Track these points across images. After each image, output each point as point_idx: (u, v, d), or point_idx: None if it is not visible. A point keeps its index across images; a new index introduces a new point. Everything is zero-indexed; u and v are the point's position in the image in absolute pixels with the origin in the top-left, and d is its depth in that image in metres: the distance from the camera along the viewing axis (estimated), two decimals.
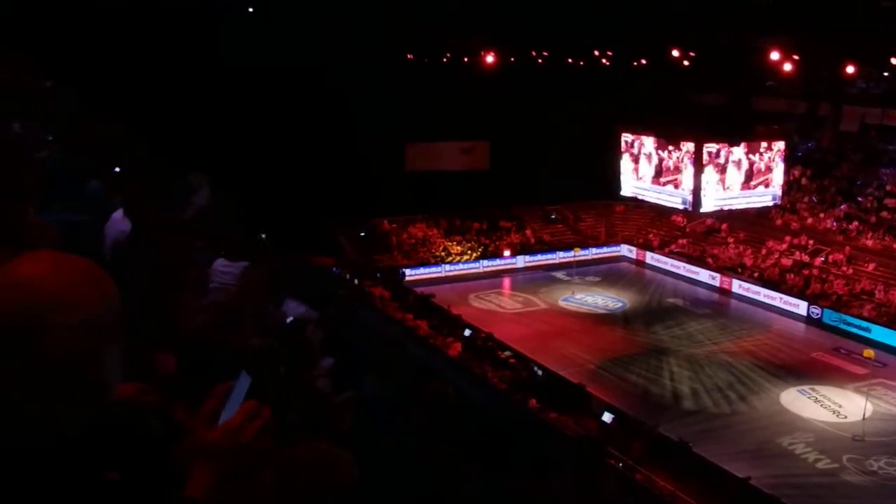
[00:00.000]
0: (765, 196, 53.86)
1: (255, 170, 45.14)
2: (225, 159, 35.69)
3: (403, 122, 60.11)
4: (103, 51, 46.17)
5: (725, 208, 54.09)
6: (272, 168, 49.52)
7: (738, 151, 51.67)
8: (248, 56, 52.86)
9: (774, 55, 49.91)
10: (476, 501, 8.03)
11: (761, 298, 54.98)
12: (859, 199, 58.74)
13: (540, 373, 39.35)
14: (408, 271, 58.61)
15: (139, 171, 14.60)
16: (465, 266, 62.75)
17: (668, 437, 33.66)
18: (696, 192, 51.43)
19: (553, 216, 69.85)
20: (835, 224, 57.87)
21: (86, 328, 2.50)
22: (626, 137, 56.93)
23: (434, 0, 52.77)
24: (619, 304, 55.25)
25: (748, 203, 53.97)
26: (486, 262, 63.46)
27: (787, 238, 58.31)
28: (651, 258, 64.80)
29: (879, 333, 47.39)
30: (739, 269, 58.08)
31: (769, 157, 52.99)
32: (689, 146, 52.03)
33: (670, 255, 63.42)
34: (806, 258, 55.99)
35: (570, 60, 63.86)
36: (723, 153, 51.42)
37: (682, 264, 61.81)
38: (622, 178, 58.00)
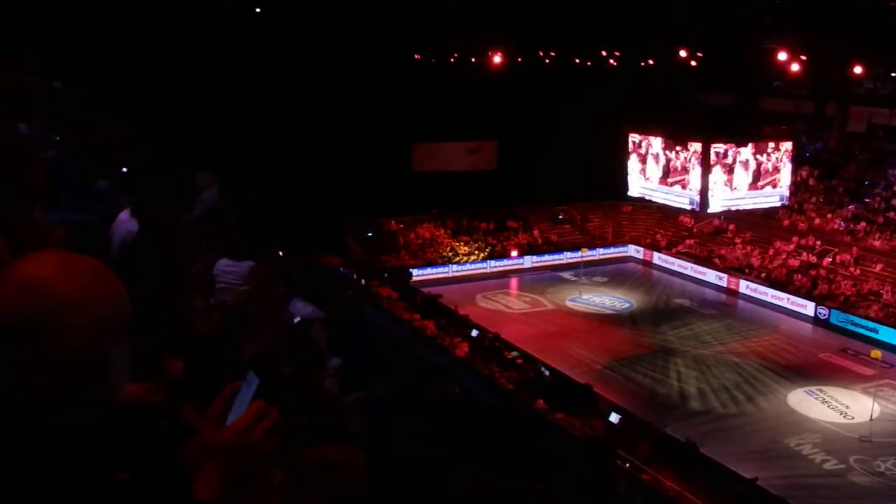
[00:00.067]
0: (772, 196, 53.92)
1: (263, 170, 45.08)
2: (233, 160, 35.64)
3: (411, 122, 60.16)
4: (111, 51, 46.22)
5: (733, 209, 54.15)
6: (279, 168, 49.48)
7: (746, 152, 51.73)
8: (256, 56, 52.92)
9: (782, 55, 50.02)
10: (484, 502, 8.04)
11: (768, 299, 54.88)
12: (867, 199, 58.62)
13: (547, 373, 39.31)
14: (415, 271, 58.63)
15: (147, 171, 14.62)
16: (473, 266, 62.71)
17: (675, 438, 33.61)
18: (704, 192, 51.48)
19: (560, 216, 69.79)
20: (842, 225, 57.75)
21: (94, 329, 2.49)
22: (634, 138, 57.01)
23: (441, 0, 52.82)
24: (627, 305, 55.19)
25: (756, 203, 54.01)
26: (493, 263, 63.39)
27: (795, 239, 58.21)
28: (658, 259, 64.72)
29: (887, 334, 47.25)
30: (747, 270, 57.99)
31: (777, 158, 53.05)
32: (696, 146, 52.10)
33: (677, 255, 63.30)
34: (813, 259, 55.89)
35: (577, 60, 63.95)
36: (730, 153, 51.49)
37: (689, 265, 61.72)
38: (629, 178, 58.08)
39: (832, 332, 49.37)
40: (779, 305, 53.93)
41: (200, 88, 50.93)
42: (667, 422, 36.14)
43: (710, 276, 59.71)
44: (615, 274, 62.70)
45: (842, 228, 57.56)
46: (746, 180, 52.04)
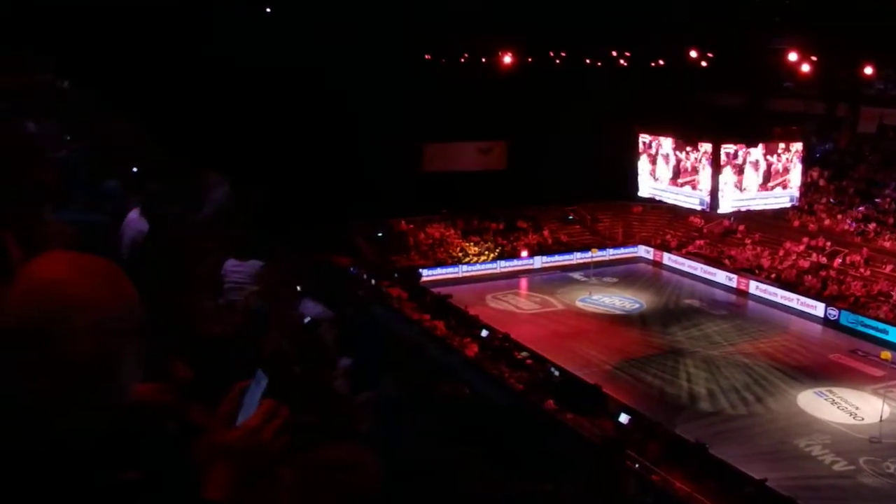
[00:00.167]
0: (782, 197, 53.90)
1: (273, 170, 45.09)
2: (243, 159, 35.68)
3: (421, 122, 60.16)
4: (120, 51, 46.30)
5: (743, 209, 54.11)
6: (290, 168, 49.48)
7: (756, 152, 51.71)
8: (267, 56, 52.97)
9: (792, 56, 49.96)
10: (494, 502, 8.05)
11: (778, 300, 54.82)
12: (877, 200, 58.52)
13: (556, 374, 39.28)
14: (425, 272, 58.61)
15: (157, 170, 14.63)
16: (483, 267, 62.70)
17: (684, 439, 33.57)
18: (714, 192, 51.49)
19: (570, 217, 69.79)
20: (853, 225, 57.67)
21: (104, 331, 2.50)
22: (644, 138, 57.00)
23: (452, 1, 52.82)
24: (637, 305, 55.15)
25: (766, 204, 53.99)
26: (503, 263, 63.39)
27: (805, 239, 58.13)
28: (668, 259, 64.68)
29: None
30: (756, 271, 57.94)
31: (787, 159, 53.04)
32: (706, 147, 52.06)
33: (687, 256, 63.27)
34: (823, 260, 55.83)
35: (587, 61, 63.91)
36: (740, 154, 51.46)
37: (699, 265, 61.68)
38: (640, 178, 58.07)
39: (842, 333, 49.31)
40: (789, 306, 53.87)
41: (211, 88, 50.99)
42: (676, 422, 36.15)
43: (720, 276, 59.67)
44: (625, 274, 62.69)
45: (852, 229, 57.48)
46: (756, 181, 52.03)
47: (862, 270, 53.63)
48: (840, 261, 55.14)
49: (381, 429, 7.22)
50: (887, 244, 54.86)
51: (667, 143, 55.51)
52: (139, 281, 2.72)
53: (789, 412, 38.92)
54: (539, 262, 64.42)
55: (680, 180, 54.56)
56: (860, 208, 58.64)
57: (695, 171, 53.22)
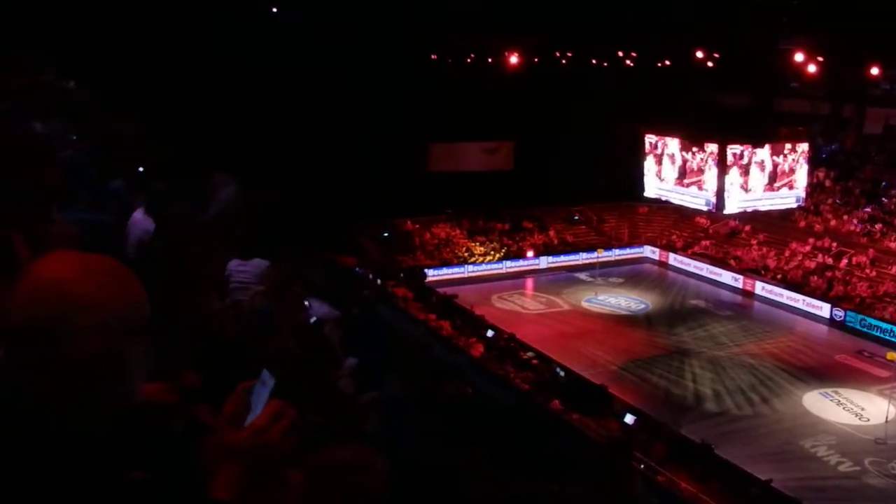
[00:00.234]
0: (788, 198, 53.87)
1: (279, 170, 45.11)
2: (249, 159, 35.69)
3: (427, 122, 60.13)
4: (126, 51, 46.33)
5: (749, 210, 54.05)
6: (296, 168, 49.48)
7: (762, 153, 51.67)
8: (272, 56, 52.99)
9: (798, 57, 49.95)
10: (499, 502, 8.06)
11: (784, 300, 54.76)
12: (883, 200, 58.46)
13: (562, 374, 39.29)
14: (431, 272, 58.60)
15: (163, 170, 14.64)
16: (488, 267, 62.70)
17: (690, 439, 33.55)
18: (720, 193, 51.43)
19: (576, 217, 69.75)
20: (858, 226, 57.62)
21: (109, 331, 2.51)
22: (650, 138, 56.93)
23: (458, 1, 52.83)
24: (642, 306, 55.13)
25: (772, 204, 53.94)
26: (508, 263, 63.37)
27: (811, 240, 58.06)
28: (674, 260, 64.64)
29: None
30: (762, 271, 57.90)
31: (793, 159, 53.01)
32: (712, 147, 52.01)
33: (693, 256, 63.24)
34: (829, 260, 55.77)
35: (593, 61, 63.93)
36: (746, 154, 51.39)
37: (705, 266, 61.64)
38: (646, 179, 58.01)
39: (848, 334, 49.29)
40: (794, 307, 53.83)
41: (217, 88, 51.02)
42: (682, 423, 36.15)
43: (726, 277, 59.64)
44: (631, 275, 62.68)
45: (858, 230, 57.42)
46: (762, 181, 52.00)
47: (868, 271, 53.56)
48: (846, 261, 55.08)
49: (387, 428, 7.23)
50: (893, 245, 54.78)
51: (673, 144, 55.46)
52: (146, 281, 2.73)
53: (795, 413, 38.90)
54: (545, 262, 64.40)
55: (686, 181, 54.52)
56: (866, 209, 58.60)
57: (700, 171, 53.20)
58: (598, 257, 62.89)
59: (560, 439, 28.44)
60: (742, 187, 51.72)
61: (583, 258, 64.68)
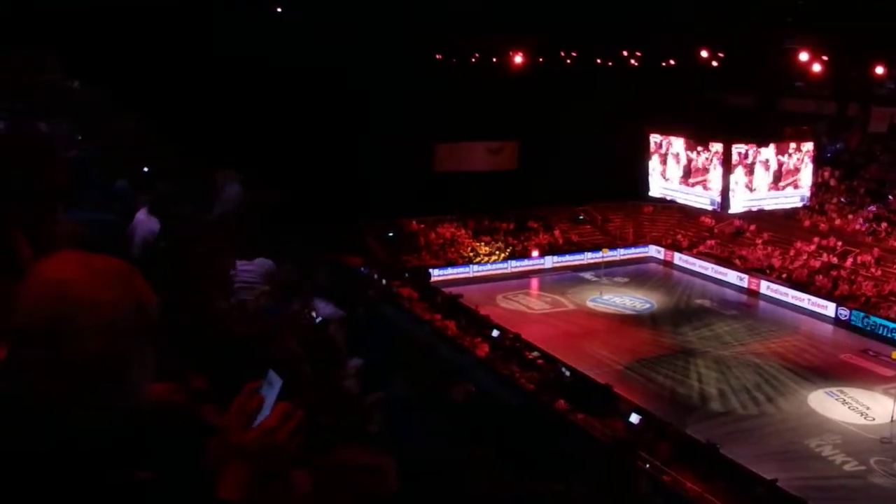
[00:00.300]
0: (793, 197, 53.81)
1: (285, 170, 45.10)
2: (255, 159, 35.70)
3: (432, 122, 60.14)
4: (131, 51, 46.36)
5: (754, 209, 54.01)
6: (301, 168, 49.48)
7: (767, 152, 51.61)
8: (278, 57, 53.00)
9: (803, 56, 49.88)
10: (503, 502, 8.05)
11: (789, 300, 54.77)
12: (889, 198, 58.43)
13: (567, 374, 39.26)
14: (436, 271, 58.65)
15: (167, 170, 14.67)
16: (493, 266, 62.74)
17: (695, 439, 33.56)
18: (725, 192, 51.39)
19: (581, 217, 69.78)
20: (863, 225, 57.58)
21: (113, 331, 2.51)
22: (655, 138, 56.90)
23: (462, 0, 52.80)
24: (647, 305, 55.14)
25: (777, 204, 53.90)
26: (514, 263, 63.43)
27: (816, 239, 58.07)
28: (679, 259, 64.67)
29: None
30: (767, 271, 57.89)
31: (798, 158, 52.95)
32: (717, 147, 51.97)
33: (698, 256, 63.28)
34: (834, 259, 55.75)
35: (598, 61, 63.88)
36: (751, 154, 51.36)
37: (710, 265, 61.67)
38: (651, 178, 57.98)
39: (853, 333, 49.30)
40: (799, 306, 53.83)
41: (222, 88, 51.04)
42: (687, 423, 36.15)
43: (731, 276, 59.67)
44: (636, 274, 62.72)
45: (863, 229, 57.41)
46: (767, 180, 51.94)
47: (873, 270, 53.54)
48: (851, 260, 55.08)
49: (392, 429, 7.22)
50: None
51: (677, 143, 55.44)
52: (151, 281, 2.73)
53: (800, 412, 38.90)
54: (550, 262, 64.45)
55: (691, 180, 54.51)
56: (871, 208, 58.57)
57: (706, 170, 53.17)
58: (603, 257, 62.86)
59: (565, 439, 28.40)
60: (747, 187, 51.69)
61: (588, 258, 64.72)
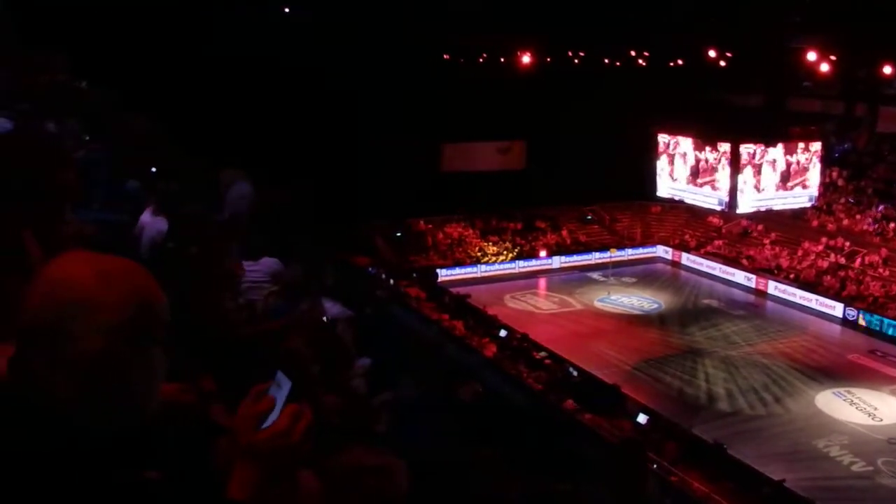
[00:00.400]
0: (801, 197, 53.70)
1: (293, 170, 45.13)
2: (263, 160, 35.70)
3: (440, 122, 60.14)
4: (139, 51, 46.40)
5: (762, 209, 53.92)
6: (309, 168, 49.49)
7: (775, 152, 51.50)
8: (286, 56, 53.03)
9: (811, 56, 49.82)
10: (510, 502, 8.06)
11: (797, 300, 54.67)
12: None
13: (575, 374, 39.27)
14: (443, 271, 58.67)
15: (175, 170, 14.67)
16: (501, 266, 62.67)
17: (702, 439, 33.54)
18: (733, 192, 51.31)
19: (589, 217, 69.71)
20: (871, 225, 57.49)
21: (117, 331, 2.52)
22: (663, 138, 56.82)
23: (470, 1, 52.83)
24: (655, 305, 55.09)
25: (785, 204, 53.79)
26: (521, 263, 63.33)
27: (824, 239, 57.94)
28: (687, 259, 64.57)
29: None
30: (775, 271, 57.82)
31: (806, 158, 52.84)
32: (725, 147, 51.89)
33: (706, 256, 63.17)
34: (842, 260, 55.66)
35: (606, 60, 63.87)
36: (759, 154, 51.29)
37: (717, 265, 61.57)
38: (658, 178, 57.90)
39: (860, 334, 49.22)
40: (807, 306, 53.72)
41: (231, 88, 51.06)
42: (695, 423, 36.11)
43: (739, 276, 59.57)
44: (644, 274, 62.65)
45: (871, 229, 57.28)
46: (775, 180, 51.83)
47: (881, 270, 53.44)
48: (859, 261, 54.97)
49: (400, 428, 7.24)
50: None
51: (685, 143, 55.32)
52: (160, 281, 2.73)
53: (807, 413, 38.85)
54: (558, 262, 64.37)
55: (699, 180, 54.40)
56: (879, 208, 58.43)
57: (714, 170, 53.09)
58: (610, 257, 62.94)
59: (573, 439, 28.46)
60: (755, 186, 51.59)
61: (595, 258, 64.68)
